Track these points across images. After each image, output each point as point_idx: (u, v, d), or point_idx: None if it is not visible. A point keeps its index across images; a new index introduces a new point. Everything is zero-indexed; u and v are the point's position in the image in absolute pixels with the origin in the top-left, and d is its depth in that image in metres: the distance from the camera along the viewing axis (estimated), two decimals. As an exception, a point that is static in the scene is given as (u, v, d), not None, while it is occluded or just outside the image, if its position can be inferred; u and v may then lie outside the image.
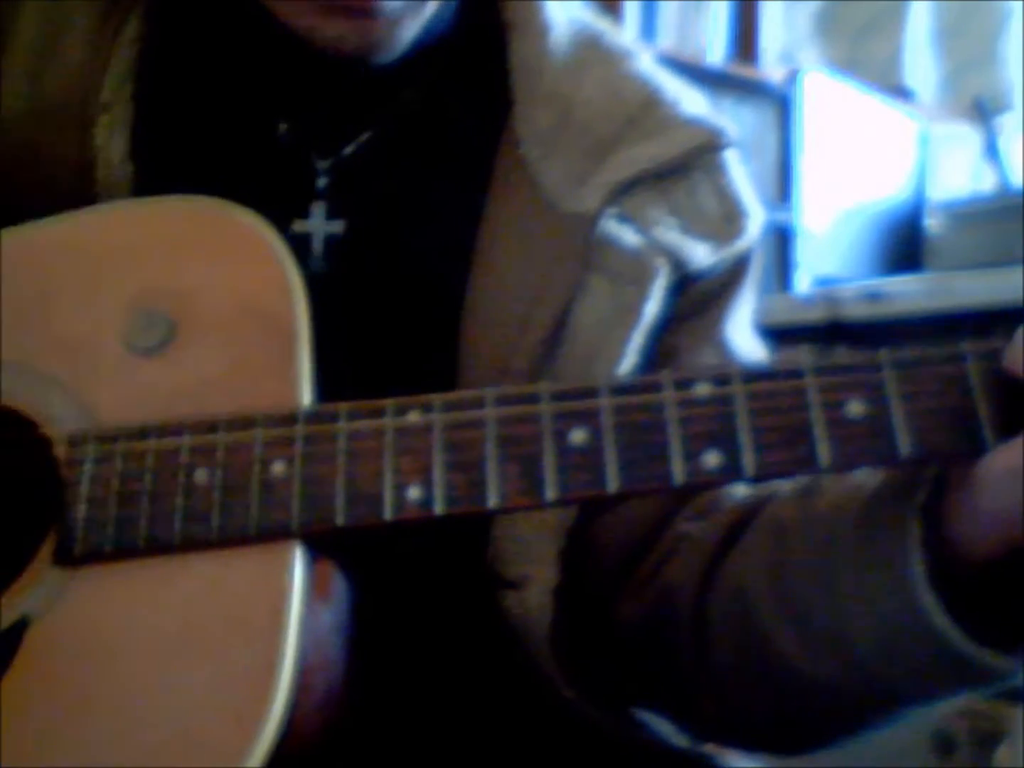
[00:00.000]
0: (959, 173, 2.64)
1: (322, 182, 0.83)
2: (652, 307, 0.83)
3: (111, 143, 0.83)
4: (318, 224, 0.82)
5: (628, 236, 0.83)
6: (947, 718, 1.72)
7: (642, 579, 0.82)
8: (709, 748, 0.85)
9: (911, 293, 1.98)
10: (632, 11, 2.47)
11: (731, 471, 0.60)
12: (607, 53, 0.88)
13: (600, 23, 0.91)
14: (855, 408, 0.59)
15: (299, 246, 0.77)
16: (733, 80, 2.32)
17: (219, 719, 0.61)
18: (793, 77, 2.33)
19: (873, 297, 1.96)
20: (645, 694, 0.85)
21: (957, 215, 2.28)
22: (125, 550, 0.66)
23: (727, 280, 0.88)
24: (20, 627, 0.66)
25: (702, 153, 0.87)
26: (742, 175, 0.89)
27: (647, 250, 0.83)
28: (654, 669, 0.82)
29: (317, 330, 0.70)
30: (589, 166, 0.83)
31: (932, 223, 2.36)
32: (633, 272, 0.83)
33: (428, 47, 0.84)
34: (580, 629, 0.81)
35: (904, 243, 2.44)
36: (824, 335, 1.97)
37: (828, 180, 2.32)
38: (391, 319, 0.82)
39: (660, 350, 0.84)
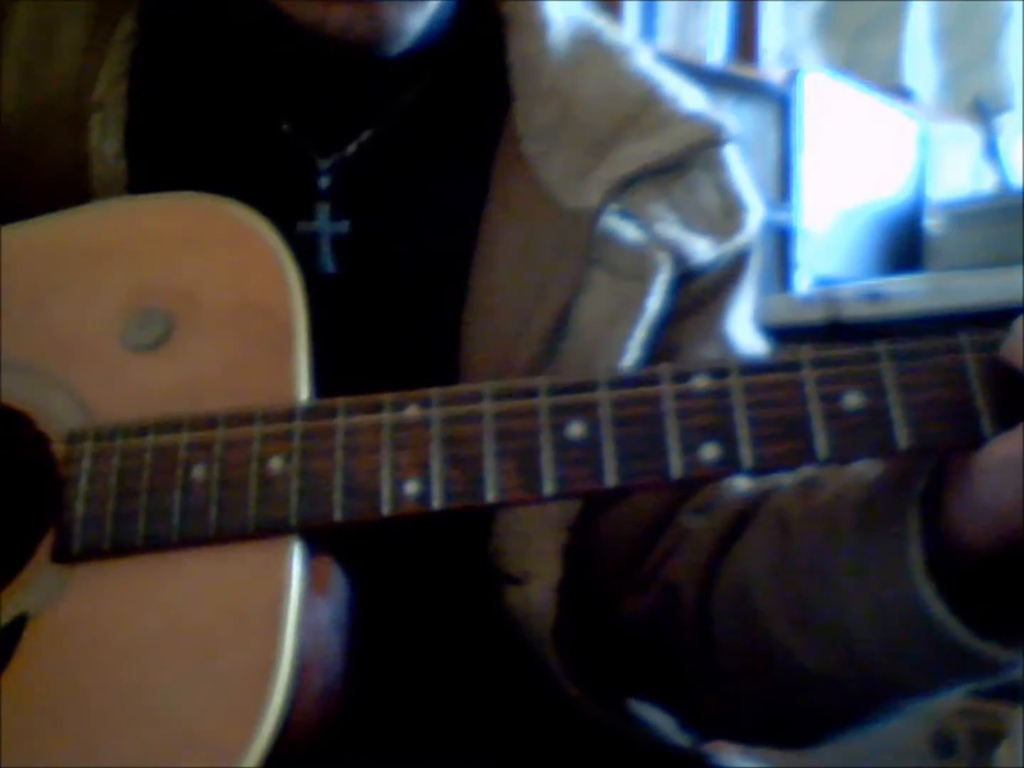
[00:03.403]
0: (959, 173, 2.64)
1: (324, 182, 0.83)
2: (654, 302, 0.83)
3: (105, 141, 0.83)
4: (324, 225, 0.82)
5: (630, 232, 0.83)
6: (947, 718, 1.72)
7: (645, 575, 0.82)
8: (710, 747, 0.85)
9: (911, 293, 1.98)
10: (632, 11, 2.46)
11: (729, 464, 0.60)
12: (606, 50, 0.89)
13: (598, 20, 0.91)
14: (853, 400, 0.59)
15: (306, 247, 0.77)
16: (733, 80, 2.33)
17: (217, 715, 0.61)
18: (793, 77, 2.34)
19: (873, 297, 1.97)
20: (648, 690, 0.85)
21: (957, 215, 2.28)
22: (123, 547, 0.66)
23: (727, 275, 0.88)
24: (19, 624, 0.66)
25: (702, 149, 0.87)
26: (742, 170, 0.90)
27: (649, 245, 0.84)
28: (657, 665, 0.82)
29: (329, 331, 0.70)
30: (590, 162, 0.84)
31: (932, 223, 2.37)
32: (635, 267, 0.83)
33: (429, 44, 0.84)
34: (583, 625, 0.81)
35: (904, 243, 2.44)
36: (824, 335, 1.97)
37: (828, 180, 2.33)
38: (395, 317, 0.82)
39: (662, 346, 0.84)
